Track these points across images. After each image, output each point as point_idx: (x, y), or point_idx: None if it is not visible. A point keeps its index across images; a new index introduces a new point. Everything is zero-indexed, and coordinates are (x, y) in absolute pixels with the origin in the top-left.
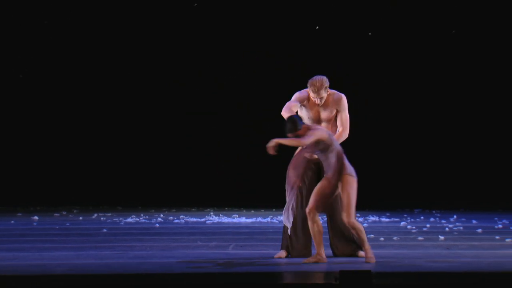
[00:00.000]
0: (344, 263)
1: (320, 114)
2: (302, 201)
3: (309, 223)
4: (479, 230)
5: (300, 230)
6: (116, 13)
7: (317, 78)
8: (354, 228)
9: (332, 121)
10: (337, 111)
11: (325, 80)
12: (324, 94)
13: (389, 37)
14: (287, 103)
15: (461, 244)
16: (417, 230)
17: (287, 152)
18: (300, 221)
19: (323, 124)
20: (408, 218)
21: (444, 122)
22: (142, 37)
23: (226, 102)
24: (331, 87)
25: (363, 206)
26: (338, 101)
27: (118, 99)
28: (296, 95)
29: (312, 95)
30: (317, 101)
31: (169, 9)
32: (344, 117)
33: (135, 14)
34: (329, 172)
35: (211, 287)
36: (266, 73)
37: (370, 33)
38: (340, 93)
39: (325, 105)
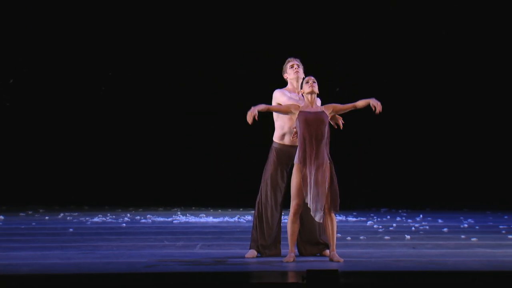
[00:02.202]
0: (311, 261)
1: None
2: (277, 201)
3: (297, 222)
4: (445, 230)
5: (274, 229)
6: (116, 14)
7: None
8: (333, 220)
9: None
10: None
11: None
12: (299, 64)
13: (389, 37)
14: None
15: (427, 243)
16: (383, 229)
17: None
18: (274, 220)
19: None
20: (375, 217)
21: (410, 123)
22: (142, 38)
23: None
24: (324, 90)
25: None
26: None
27: (93, 98)
28: (283, 94)
29: (290, 63)
30: (295, 68)
31: (169, 9)
32: None
33: (135, 15)
34: (320, 163)
35: (178, 287)
36: (266, 73)
37: (364, 37)
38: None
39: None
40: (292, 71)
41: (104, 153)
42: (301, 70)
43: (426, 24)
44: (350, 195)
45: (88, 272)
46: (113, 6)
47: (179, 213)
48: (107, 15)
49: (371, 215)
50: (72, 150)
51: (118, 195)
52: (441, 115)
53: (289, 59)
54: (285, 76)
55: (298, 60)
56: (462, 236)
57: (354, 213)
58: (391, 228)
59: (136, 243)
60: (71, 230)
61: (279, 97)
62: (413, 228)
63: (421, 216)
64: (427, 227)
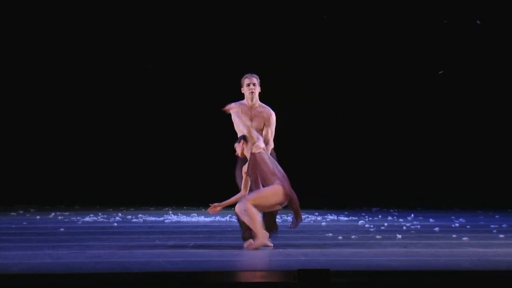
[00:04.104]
0: (302, 260)
1: (251, 122)
2: None
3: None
4: (436, 229)
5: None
6: (115, 14)
7: None
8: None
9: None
10: (265, 125)
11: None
12: (256, 81)
13: (387, 38)
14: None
15: (419, 242)
16: (375, 228)
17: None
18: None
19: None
20: (366, 216)
21: (400, 122)
22: (141, 38)
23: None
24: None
25: (321, 205)
26: (268, 117)
27: (83, 98)
28: (237, 112)
29: (247, 81)
30: (251, 87)
31: (169, 9)
32: (271, 132)
33: (135, 15)
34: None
35: (169, 286)
36: (264, 74)
37: (324, 17)
38: (271, 110)
39: (257, 116)
40: (248, 90)
41: (96, 152)
42: (256, 90)
43: (424, 24)
44: (342, 194)
45: (79, 272)
46: (113, 6)
47: (170, 212)
48: (106, 15)
49: (363, 214)
50: (64, 150)
51: (110, 194)
52: (433, 115)
53: (246, 75)
54: (242, 90)
55: (256, 77)
56: (453, 236)
57: (346, 212)
58: (382, 228)
59: (127, 242)
60: (62, 229)
61: (233, 114)
62: (404, 228)
63: (412, 215)
64: (419, 226)
